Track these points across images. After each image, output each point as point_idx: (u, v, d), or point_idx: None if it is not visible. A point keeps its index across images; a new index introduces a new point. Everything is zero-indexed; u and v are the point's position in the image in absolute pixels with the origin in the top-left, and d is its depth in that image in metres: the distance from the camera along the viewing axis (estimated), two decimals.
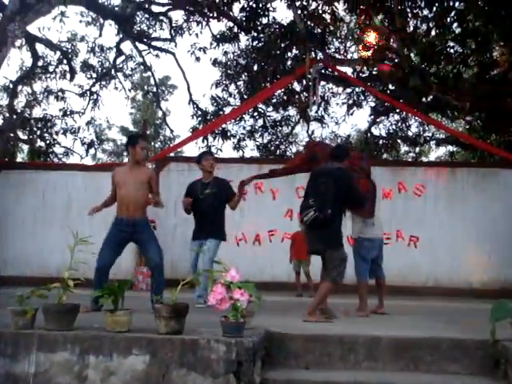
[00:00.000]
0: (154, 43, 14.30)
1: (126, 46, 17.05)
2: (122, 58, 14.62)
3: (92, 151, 15.75)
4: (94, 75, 14.62)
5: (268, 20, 12.01)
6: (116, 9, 13.58)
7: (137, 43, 14.02)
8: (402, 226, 9.72)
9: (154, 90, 17.55)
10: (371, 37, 10.28)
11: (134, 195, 5.57)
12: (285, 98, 13.36)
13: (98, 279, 5.29)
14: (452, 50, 10.87)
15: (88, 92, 14.71)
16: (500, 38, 9.71)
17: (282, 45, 11.53)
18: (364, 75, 12.30)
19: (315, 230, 5.21)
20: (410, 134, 14.67)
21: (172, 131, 19.42)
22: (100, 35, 15.50)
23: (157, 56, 14.51)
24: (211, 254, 6.12)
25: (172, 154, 11.97)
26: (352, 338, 4.28)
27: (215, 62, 13.49)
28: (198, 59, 13.64)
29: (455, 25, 10.42)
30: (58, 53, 14.01)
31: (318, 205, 5.11)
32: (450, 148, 16.86)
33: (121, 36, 13.92)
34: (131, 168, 5.68)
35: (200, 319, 4.67)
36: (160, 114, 21.49)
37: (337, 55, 12.50)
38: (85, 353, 3.75)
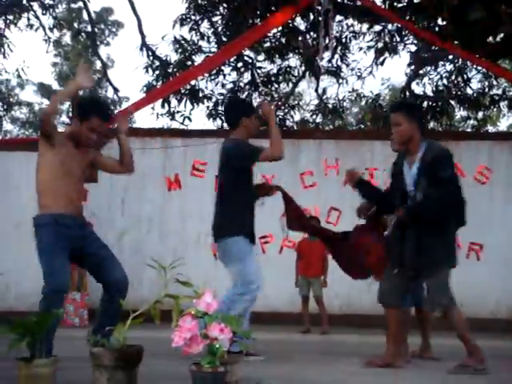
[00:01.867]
0: None
1: None
2: None
3: None
4: None
5: None
6: None
7: None
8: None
9: (89, 28, 17.48)
10: None
11: (79, 185, 5.57)
12: (283, 41, 13.35)
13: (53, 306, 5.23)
14: None
15: None
16: None
17: None
18: (401, 5, 12.30)
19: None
20: (469, 91, 14.73)
21: (117, 91, 19.30)
22: None
23: None
24: None
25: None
26: None
27: None
28: None
29: None
30: None
31: None
32: None
33: None
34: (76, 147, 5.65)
35: (162, 368, 4.68)
36: (99, 64, 21.44)
37: None
38: None
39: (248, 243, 6.02)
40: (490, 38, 11.76)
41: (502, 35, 11.44)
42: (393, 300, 5.50)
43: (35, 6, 14.88)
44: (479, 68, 13.46)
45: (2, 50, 14.73)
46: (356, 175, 5.89)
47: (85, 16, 17.89)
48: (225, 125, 13.97)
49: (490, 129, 19.16)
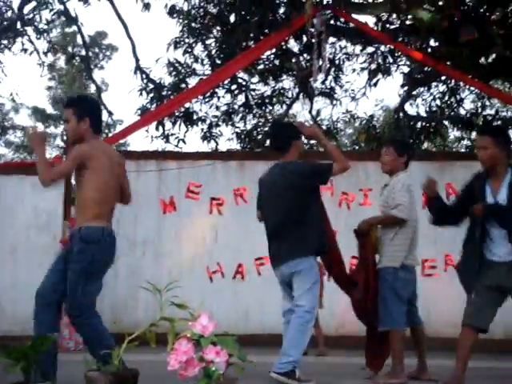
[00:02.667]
0: None
1: None
2: (33, 4, 14.55)
3: None
4: None
5: None
6: None
7: None
8: (453, 247, 9.72)
9: (83, 52, 17.52)
10: None
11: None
12: (276, 63, 13.39)
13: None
14: None
15: None
16: None
17: None
18: (393, 27, 12.36)
19: None
20: (462, 112, 14.78)
21: (111, 114, 19.34)
22: None
23: (85, 2, 14.49)
24: None
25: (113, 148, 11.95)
26: None
27: (173, 11, 13.50)
28: (146, 7, 13.65)
29: None
30: None
31: None
32: None
33: None
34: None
35: None
36: (93, 88, 21.48)
37: None
38: None
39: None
40: (482, 59, 11.81)
41: (493, 56, 11.50)
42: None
43: (29, 30, 14.92)
44: (472, 88, 13.51)
45: None
46: (436, 185, 5.89)
47: (79, 40, 17.97)
48: (219, 147, 14.04)
49: None
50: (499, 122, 15.62)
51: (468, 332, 5.44)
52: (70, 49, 20.33)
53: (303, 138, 6.44)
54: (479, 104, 15.00)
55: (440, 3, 10.26)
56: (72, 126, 5.43)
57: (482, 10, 10.71)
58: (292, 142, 6.13)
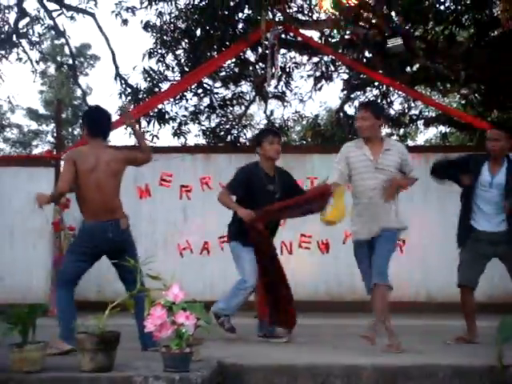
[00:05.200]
0: (67, 1, 14.09)
1: (31, 5, 16.74)
2: (26, 20, 14.32)
3: None
4: None
5: None
6: None
7: (45, 1, 13.77)
8: None
9: (70, 61, 17.27)
10: None
11: None
12: (236, 70, 13.32)
13: None
14: (442, 7, 11.03)
15: None
16: None
17: (231, 3, 11.50)
18: (334, 40, 12.38)
19: None
20: (392, 112, 14.85)
21: None
22: None
23: (72, 18, 14.26)
24: None
25: None
26: (326, 369, 4.32)
27: (147, 26, 13.34)
28: (125, 22, 13.47)
29: None
30: None
31: None
32: (442, 129, 17.11)
33: None
34: None
35: (136, 350, 4.64)
36: (79, 92, 21.23)
37: (300, 16, 12.53)
38: None
39: None
40: (409, 68, 11.90)
41: (417, 66, 11.60)
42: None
43: (24, 42, 14.71)
44: (400, 93, 13.58)
45: None
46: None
47: (66, 50, 17.72)
48: (188, 142, 13.95)
49: (410, 143, 19.32)
50: (422, 121, 15.82)
51: (465, 291, 5.97)
52: (58, 58, 20.03)
53: None
54: (406, 105, 15.09)
55: (373, 21, 10.30)
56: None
57: (407, 27, 10.76)
58: (256, 148, 6.37)
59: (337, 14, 10.38)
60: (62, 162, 5.45)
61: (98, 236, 5.29)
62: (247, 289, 6.04)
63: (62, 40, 16.31)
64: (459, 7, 10.75)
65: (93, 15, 14.00)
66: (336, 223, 5.70)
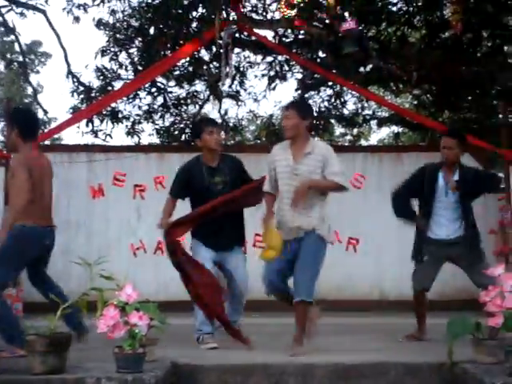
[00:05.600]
0: None
1: None
2: None
3: None
4: None
5: None
6: None
7: None
8: (339, 225, 9.90)
9: (20, 58, 17.04)
10: None
11: None
12: (190, 69, 13.29)
13: None
14: (395, 8, 11.18)
15: None
16: None
17: (186, 2, 11.47)
18: (288, 40, 12.43)
19: None
20: (345, 112, 14.97)
21: (46, 112, 18.90)
22: None
23: (22, 14, 14.10)
24: (245, 270, 5.97)
25: (47, 142, 11.69)
26: (279, 368, 4.34)
27: (100, 24, 13.24)
28: (76, 19, 13.34)
29: None
30: None
31: None
32: (395, 129, 17.34)
33: None
34: None
35: (89, 351, 4.60)
36: (29, 90, 20.93)
37: (254, 15, 12.56)
38: None
39: None
40: (362, 69, 12.01)
41: (370, 66, 11.71)
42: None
43: None
44: (353, 93, 13.70)
45: None
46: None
47: (17, 48, 17.47)
48: (141, 141, 13.87)
49: (363, 143, 19.53)
50: (375, 121, 15.98)
51: (419, 294, 6.10)
52: (8, 55, 19.75)
53: None
54: (359, 105, 15.23)
55: (327, 21, 10.38)
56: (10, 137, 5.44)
57: (360, 28, 10.86)
58: (196, 142, 5.91)
59: (292, 13, 10.41)
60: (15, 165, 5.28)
61: (37, 241, 5.29)
62: None
63: (12, 37, 16.03)
64: (411, 8, 10.90)
65: (44, 12, 13.82)
66: (276, 256, 5.21)
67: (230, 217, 5.88)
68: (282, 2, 10.51)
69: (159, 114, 13.95)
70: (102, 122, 13.02)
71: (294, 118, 5.34)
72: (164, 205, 6.31)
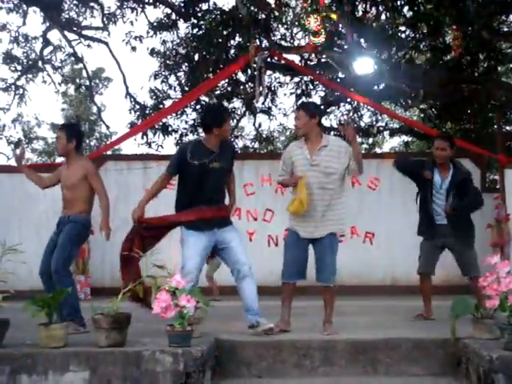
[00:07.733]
0: (84, 32, 14.05)
1: (54, 36, 16.74)
2: (50, 48, 14.32)
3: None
4: (19, 67, 14.29)
5: (208, 6, 11.98)
6: None
7: (66, 32, 13.73)
8: (358, 221, 9.86)
9: (87, 83, 17.25)
10: (318, 22, 10.36)
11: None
12: (229, 89, 13.35)
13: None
14: (403, 35, 11.10)
15: (13, 86, 14.39)
16: (452, 21, 9.96)
17: (225, 32, 11.51)
18: (312, 63, 12.42)
19: None
20: (362, 124, 14.90)
21: (108, 127, 19.16)
22: (24, 23, 15.04)
23: (89, 46, 14.28)
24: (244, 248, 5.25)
25: (109, 152, 11.83)
26: (306, 343, 4.34)
27: (153, 52, 13.37)
28: (133, 49, 13.49)
29: (406, 8, 10.65)
30: None
31: None
32: (405, 138, 17.21)
33: (47, 24, 13.62)
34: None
35: (145, 329, 4.64)
36: (94, 109, 21.20)
37: (283, 42, 12.57)
38: (16, 373, 3.67)
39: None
40: (376, 87, 11.98)
41: (383, 84, 11.67)
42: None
43: (48, 67, 14.79)
44: (369, 107, 13.64)
45: (24, 99, 14.62)
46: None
47: (84, 74, 17.72)
48: None
49: (378, 150, 19.41)
50: (387, 132, 15.87)
51: (424, 277, 6.06)
52: (77, 80, 20.04)
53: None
54: (374, 118, 15.14)
55: (345, 46, 10.35)
56: (62, 144, 5.49)
57: (374, 51, 10.81)
58: (212, 129, 5.04)
59: (316, 40, 10.41)
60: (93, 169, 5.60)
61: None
62: (186, 276, 4.60)
63: (80, 65, 16.32)
64: (417, 35, 10.83)
65: (106, 43, 14.02)
66: (302, 212, 4.96)
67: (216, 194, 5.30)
68: (308, 31, 10.51)
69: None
70: (154, 134, 13.15)
71: (303, 118, 5.11)
72: (156, 180, 5.68)
